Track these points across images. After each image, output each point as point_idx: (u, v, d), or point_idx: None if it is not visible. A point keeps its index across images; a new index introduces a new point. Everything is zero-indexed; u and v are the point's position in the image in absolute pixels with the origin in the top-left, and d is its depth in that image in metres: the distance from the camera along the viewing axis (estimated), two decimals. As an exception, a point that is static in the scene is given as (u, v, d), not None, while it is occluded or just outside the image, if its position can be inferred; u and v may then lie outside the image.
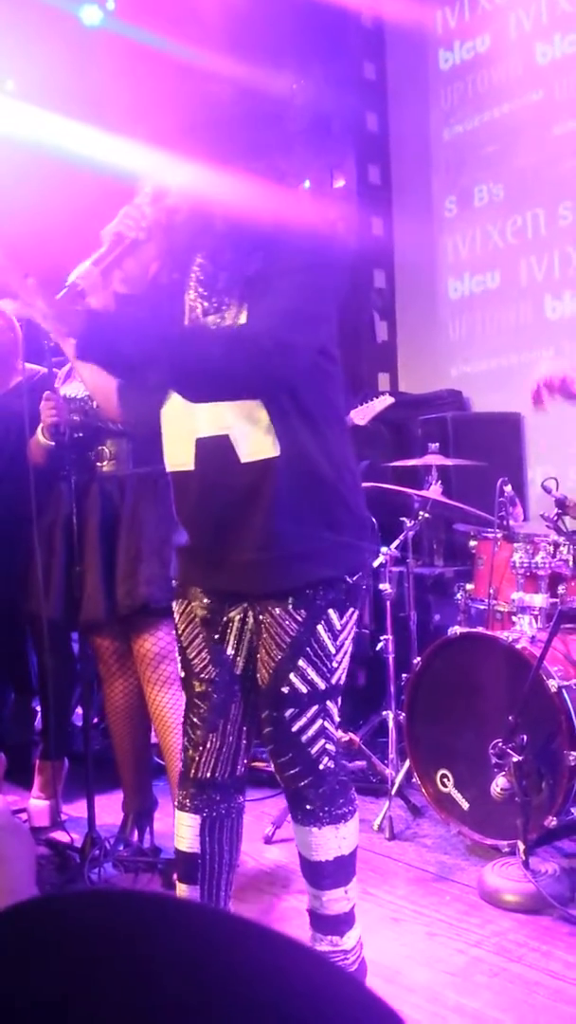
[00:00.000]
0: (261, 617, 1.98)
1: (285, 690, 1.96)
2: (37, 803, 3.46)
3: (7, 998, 0.42)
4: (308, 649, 1.95)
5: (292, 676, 1.95)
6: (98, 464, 3.03)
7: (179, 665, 2.12)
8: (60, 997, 0.41)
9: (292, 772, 2.00)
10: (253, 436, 1.90)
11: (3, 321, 3.46)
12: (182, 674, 2.11)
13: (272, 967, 0.45)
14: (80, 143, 5.26)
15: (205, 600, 2.05)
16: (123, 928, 0.45)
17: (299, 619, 1.94)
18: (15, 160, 5.10)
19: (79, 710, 4.15)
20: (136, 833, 3.15)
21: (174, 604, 2.12)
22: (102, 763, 3.38)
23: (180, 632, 2.10)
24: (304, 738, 1.98)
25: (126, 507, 2.98)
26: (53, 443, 2.96)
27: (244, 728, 2.09)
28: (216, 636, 2.04)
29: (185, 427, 1.96)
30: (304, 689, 1.96)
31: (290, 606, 1.94)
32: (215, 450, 1.92)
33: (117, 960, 0.43)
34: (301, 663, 1.95)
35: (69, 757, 3.65)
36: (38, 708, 4.08)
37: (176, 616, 2.11)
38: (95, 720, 3.94)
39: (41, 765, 3.52)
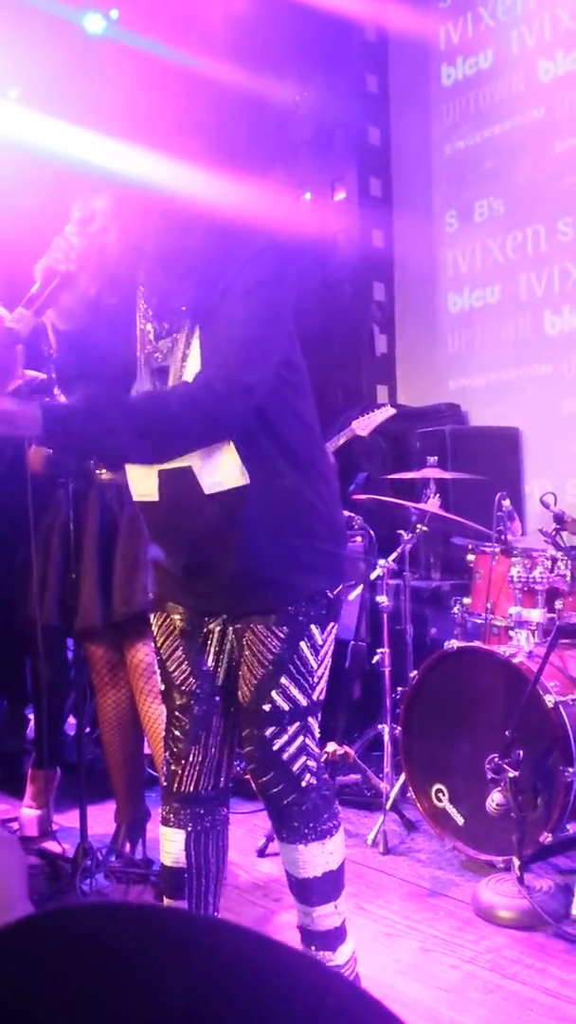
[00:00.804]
0: (243, 633, 1.96)
1: (267, 708, 1.94)
2: (29, 812, 3.44)
3: (16, 1014, 0.41)
4: (291, 666, 1.94)
5: (274, 694, 1.93)
6: (97, 472, 3.03)
7: (159, 678, 2.11)
8: (69, 1011, 0.41)
9: (275, 791, 1.98)
10: (216, 465, 1.87)
11: (2, 326, 3.45)
12: (162, 687, 2.09)
13: (276, 976, 0.45)
14: (83, 149, 5.26)
15: (184, 612, 2.03)
16: (129, 940, 0.45)
17: (281, 636, 1.93)
18: (18, 166, 5.10)
19: (71, 719, 4.13)
20: (128, 844, 3.13)
21: (151, 616, 2.09)
22: (94, 773, 3.37)
23: (159, 644, 2.07)
24: (285, 756, 1.96)
25: (125, 515, 2.98)
26: (52, 450, 2.94)
27: (227, 739, 2.07)
28: (196, 648, 2.02)
29: None
30: (286, 707, 1.94)
31: (272, 624, 1.93)
32: (178, 481, 1.90)
33: (124, 972, 0.43)
34: (283, 680, 1.93)
35: (61, 766, 3.63)
36: (29, 716, 4.06)
37: (154, 629, 2.08)
38: (87, 729, 3.92)
39: (33, 774, 3.50)
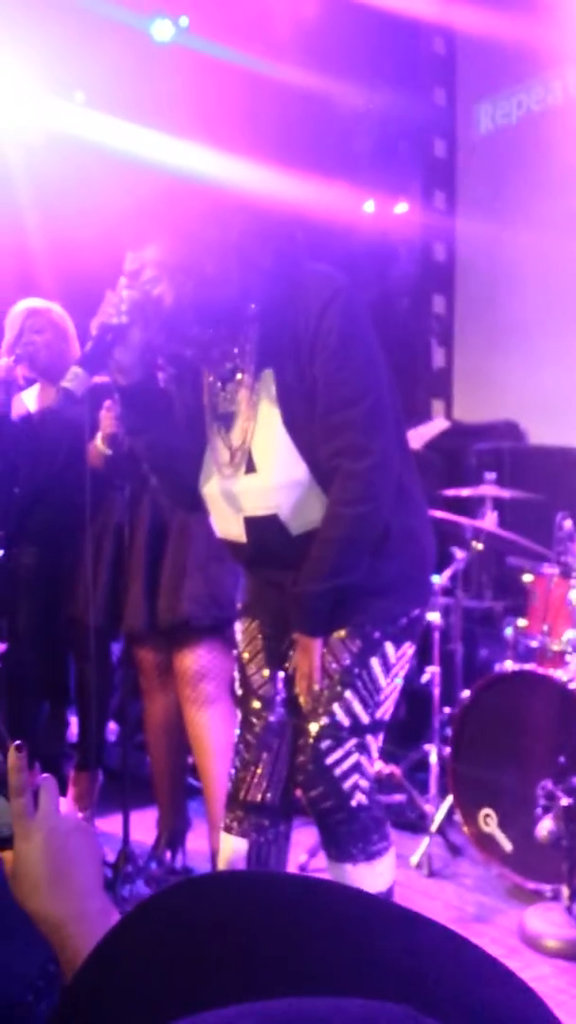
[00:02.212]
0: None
1: (325, 720, 1.91)
2: (70, 815, 3.42)
3: (201, 949, 0.46)
4: (358, 682, 1.91)
5: (335, 706, 1.91)
6: (152, 477, 3.01)
7: (237, 683, 2.10)
8: (234, 957, 0.45)
9: (324, 806, 1.94)
10: (302, 510, 1.89)
11: (59, 328, 3.46)
12: (239, 691, 2.09)
13: (416, 945, 0.48)
14: (144, 150, 5.29)
15: (270, 619, 2.04)
16: (285, 903, 0.49)
17: (353, 650, 1.91)
18: (82, 167, 5.13)
19: (112, 724, 4.12)
20: (168, 852, 3.10)
21: (237, 623, 2.11)
22: (137, 779, 3.34)
23: (242, 649, 2.08)
24: (338, 772, 1.92)
25: (175, 522, 2.96)
26: (111, 452, 2.93)
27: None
28: (278, 656, 2.03)
29: (232, 506, 1.96)
30: (346, 722, 1.91)
31: (345, 637, 1.91)
32: (265, 526, 1.92)
33: (275, 929, 0.47)
34: (347, 694, 1.91)
35: (103, 771, 3.61)
36: (70, 720, 4.05)
37: (239, 634, 2.10)
38: (130, 735, 3.90)
39: (76, 776, 3.48)
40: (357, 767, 1.93)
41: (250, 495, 1.91)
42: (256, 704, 2.04)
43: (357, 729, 1.92)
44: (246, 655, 2.08)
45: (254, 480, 1.89)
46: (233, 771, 2.08)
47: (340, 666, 1.90)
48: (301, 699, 1.96)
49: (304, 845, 3.25)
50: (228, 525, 1.98)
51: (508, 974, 0.46)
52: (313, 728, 1.92)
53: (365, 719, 1.93)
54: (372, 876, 1.96)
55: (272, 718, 2.03)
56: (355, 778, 1.93)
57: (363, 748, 1.94)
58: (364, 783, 1.95)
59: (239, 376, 1.90)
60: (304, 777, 1.94)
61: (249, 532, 1.93)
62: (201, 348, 1.91)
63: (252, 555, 1.99)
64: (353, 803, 1.93)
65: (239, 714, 2.10)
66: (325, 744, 1.91)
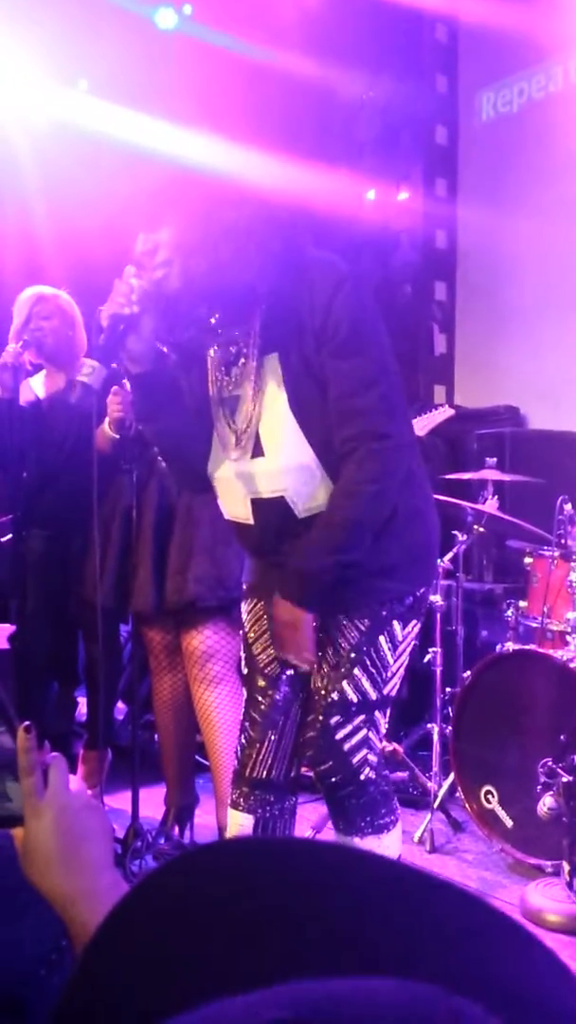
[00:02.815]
0: (325, 621, 1.98)
1: (335, 696, 1.95)
2: (79, 793, 3.47)
3: (231, 910, 0.44)
4: (366, 659, 1.95)
5: (345, 683, 1.95)
6: (160, 460, 3.05)
7: (243, 662, 2.13)
8: (270, 918, 0.44)
9: (333, 780, 1.98)
10: (308, 492, 1.92)
11: (67, 314, 3.49)
12: (245, 670, 2.12)
13: (459, 920, 0.45)
14: (149, 138, 5.31)
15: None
16: (328, 867, 0.48)
17: (362, 628, 1.95)
18: (85, 154, 5.16)
19: (120, 703, 4.17)
20: (176, 828, 3.16)
21: (243, 604, 2.14)
22: (145, 756, 3.40)
23: (248, 629, 2.11)
24: (347, 747, 1.96)
25: (182, 504, 3.01)
26: (118, 436, 2.98)
27: (303, 728, 2.08)
28: None
29: (239, 488, 1.98)
30: (355, 698, 1.95)
31: (355, 616, 1.95)
32: (272, 508, 1.95)
33: (296, 897, 0.45)
34: (356, 671, 1.95)
35: (112, 749, 3.67)
36: (79, 699, 4.10)
37: (244, 615, 2.12)
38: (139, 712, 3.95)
39: (85, 755, 3.54)
40: (366, 742, 1.98)
41: (258, 478, 1.93)
42: (261, 683, 2.07)
43: (366, 705, 1.96)
44: (251, 635, 2.11)
45: (261, 463, 1.92)
46: (239, 748, 2.11)
47: (349, 644, 1.94)
48: (312, 677, 2.00)
49: (309, 821, 3.32)
50: (236, 507, 2.01)
51: (544, 951, 0.44)
52: (322, 704, 1.96)
53: (373, 695, 1.96)
54: (379, 849, 2.00)
55: (277, 696, 2.06)
56: (364, 753, 1.98)
57: (371, 724, 1.98)
58: (372, 758, 1.99)
59: (243, 361, 1.92)
60: (314, 752, 1.98)
61: (256, 514, 1.97)
62: (208, 331, 1.94)
63: (258, 537, 2.02)
64: (362, 777, 1.98)
65: (245, 693, 2.13)
66: (335, 720, 1.95)
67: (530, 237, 5.40)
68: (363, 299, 1.89)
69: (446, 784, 3.34)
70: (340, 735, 1.95)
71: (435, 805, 3.29)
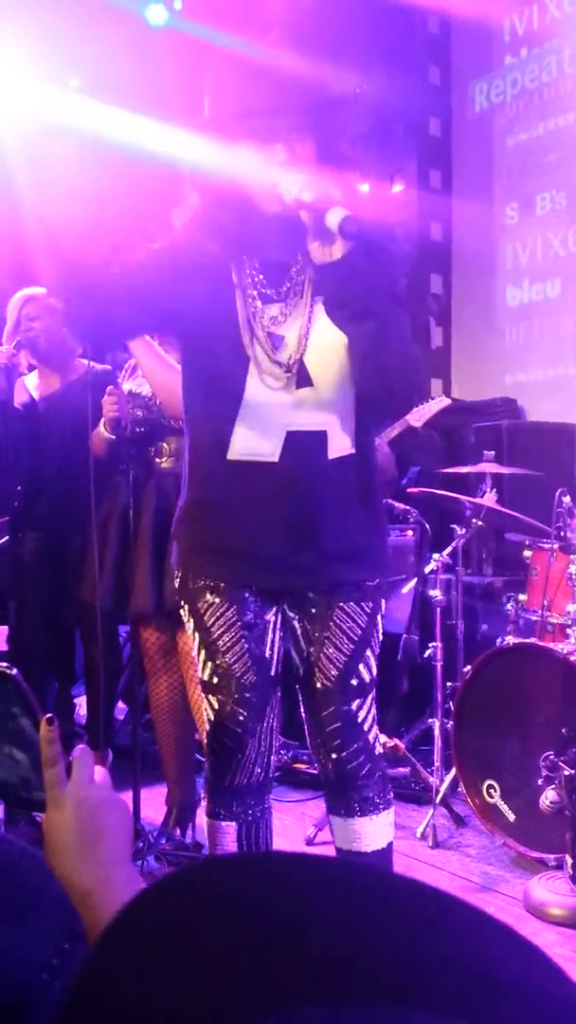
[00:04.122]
0: (330, 613, 1.97)
1: (354, 682, 1.99)
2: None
3: (185, 952, 0.42)
4: (372, 640, 2.01)
5: (360, 667, 1.99)
6: (157, 460, 3.05)
7: (210, 671, 2.00)
8: (233, 948, 0.42)
9: (355, 763, 2.00)
10: (343, 433, 1.94)
11: (58, 313, 3.48)
12: (215, 680, 1.99)
13: (432, 922, 0.44)
14: (141, 137, 5.29)
15: (250, 600, 1.99)
16: (287, 887, 0.46)
17: (368, 611, 2.00)
18: (77, 154, 5.14)
19: (121, 703, 4.17)
20: (178, 829, 3.15)
21: (214, 609, 1.99)
22: (146, 757, 3.40)
23: (217, 636, 1.98)
24: (366, 727, 2.02)
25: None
26: (114, 437, 2.97)
27: (276, 728, 2.09)
28: (257, 638, 2.00)
29: (276, 419, 1.91)
30: (368, 679, 2.01)
31: (361, 600, 1.99)
32: (306, 444, 1.91)
33: (279, 916, 0.43)
34: (367, 654, 2.00)
35: (112, 749, 3.67)
36: (77, 700, 4.10)
37: (212, 619, 1.98)
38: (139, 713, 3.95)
39: (86, 756, 3.53)
40: (375, 718, 2.05)
41: (300, 409, 1.91)
42: (238, 693, 1.98)
43: (372, 683, 2.03)
44: (224, 643, 1.99)
45: (308, 393, 1.90)
46: (212, 760, 2.04)
47: (361, 629, 1.98)
48: (323, 670, 2.00)
49: (311, 819, 3.32)
50: (260, 442, 1.91)
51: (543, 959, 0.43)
52: (343, 693, 1.99)
53: (375, 672, 2.03)
54: (387, 826, 2.07)
55: (256, 702, 1.99)
56: (375, 729, 2.05)
57: (374, 699, 2.05)
58: (376, 730, 2.06)
59: (294, 297, 1.92)
60: (341, 741, 1.99)
61: (286, 449, 1.90)
62: (273, 267, 1.95)
63: (278, 484, 1.92)
64: (377, 752, 2.05)
65: (214, 704, 2.01)
66: (356, 704, 1.99)
67: (525, 227, 5.39)
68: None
69: (448, 779, 3.33)
70: (361, 717, 2.01)
71: (437, 800, 3.28)
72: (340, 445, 1.93)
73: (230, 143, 1.88)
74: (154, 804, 3.29)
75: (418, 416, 4.03)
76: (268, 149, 1.86)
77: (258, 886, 0.46)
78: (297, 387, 1.90)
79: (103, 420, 2.99)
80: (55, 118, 5.47)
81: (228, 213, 1.92)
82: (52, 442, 3.45)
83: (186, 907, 0.45)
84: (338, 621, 1.97)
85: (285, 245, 1.92)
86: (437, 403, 4.05)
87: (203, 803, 3.14)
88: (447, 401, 4.03)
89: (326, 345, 1.91)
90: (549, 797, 2.73)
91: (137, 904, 0.47)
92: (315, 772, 2.09)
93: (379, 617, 2.03)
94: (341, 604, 1.97)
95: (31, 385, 3.58)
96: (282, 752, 3.69)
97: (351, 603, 1.98)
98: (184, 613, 2.06)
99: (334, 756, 2.01)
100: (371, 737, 2.03)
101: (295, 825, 3.37)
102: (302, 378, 1.90)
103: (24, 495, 3.55)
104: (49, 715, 1.00)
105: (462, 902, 0.45)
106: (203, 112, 2.07)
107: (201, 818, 3.21)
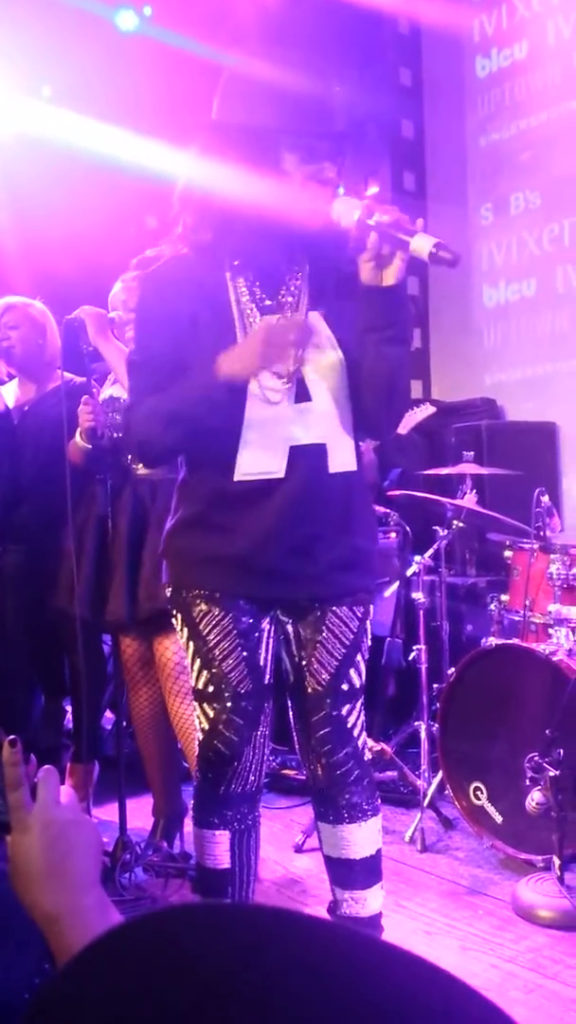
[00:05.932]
0: (323, 618, 1.99)
1: (345, 687, 2.01)
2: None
3: (139, 1005, 0.42)
4: (362, 645, 2.04)
5: (351, 672, 2.01)
6: (133, 467, 3.03)
7: (206, 680, 1.98)
8: (190, 1002, 0.41)
9: (345, 769, 2.02)
10: (342, 447, 1.96)
11: (36, 323, 3.46)
12: (210, 688, 1.97)
13: (396, 982, 0.44)
14: (114, 146, 5.27)
15: (246, 609, 1.99)
16: (248, 939, 0.45)
17: (359, 617, 2.02)
18: (51, 164, 5.12)
19: (108, 713, 4.14)
20: (165, 841, 3.13)
21: (205, 618, 1.98)
22: (132, 767, 3.37)
23: (213, 644, 1.97)
24: (355, 732, 2.03)
25: (155, 510, 2.98)
26: (90, 446, 2.95)
27: (268, 735, 2.08)
28: (252, 646, 2.00)
29: (279, 434, 1.92)
30: (357, 684, 2.03)
31: (355, 605, 2.02)
32: (308, 458, 1.93)
33: (232, 975, 0.42)
34: (357, 659, 2.03)
35: (99, 760, 3.64)
36: (66, 709, 4.07)
37: (206, 629, 1.97)
38: (124, 724, 3.92)
39: (72, 768, 3.51)
40: (363, 724, 2.06)
41: (301, 423, 1.92)
42: (234, 703, 1.97)
43: (362, 688, 2.05)
44: (219, 651, 1.98)
45: (308, 407, 1.92)
46: (204, 769, 2.02)
47: (352, 633, 2.01)
48: (314, 675, 2.01)
49: (299, 825, 3.30)
50: (266, 458, 1.91)
51: None
52: (333, 697, 2.00)
53: (364, 678, 2.05)
54: (375, 832, 2.08)
55: (252, 711, 1.99)
56: (364, 735, 2.07)
57: (362, 704, 2.07)
58: (364, 735, 2.08)
59: (290, 309, 1.94)
60: (331, 746, 2.01)
61: (291, 464, 1.91)
62: (272, 270, 1.97)
63: (285, 499, 1.92)
64: (365, 758, 2.06)
65: (208, 712, 2.00)
66: (346, 709, 2.01)
67: (502, 228, 5.40)
68: None
69: (435, 782, 3.32)
70: (350, 722, 2.02)
71: (425, 804, 3.27)
72: (341, 459, 1.95)
73: (261, 158, 1.87)
74: (142, 814, 3.27)
75: (403, 423, 4.03)
76: (316, 168, 1.88)
77: (218, 947, 0.44)
78: (296, 401, 1.92)
79: (79, 430, 2.98)
80: (29, 127, 5.45)
81: (223, 227, 1.92)
82: (27, 453, 3.43)
83: (146, 954, 0.44)
84: (330, 626, 2.00)
85: (283, 257, 1.97)
86: (421, 411, 4.05)
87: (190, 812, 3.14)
88: (432, 409, 4.03)
89: (323, 359, 1.94)
90: (535, 798, 2.73)
91: (99, 945, 0.46)
92: (303, 778, 2.08)
93: (368, 623, 2.04)
94: (334, 608, 2.00)
95: (8, 394, 3.55)
96: (270, 758, 3.67)
97: (344, 608, 2.00)
98: (177, 623, 2.05)
99: (324, 761, 2.02)
100: (360, 743, 2.05)
101: (283, 832, 3.35)
102: (301, 391, 1.92)
103: (3, 506, 3.52)
104: (12, 737, 0.98)
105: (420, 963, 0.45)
106: (183, 121, 2.08)
107: (189, 826, 3.20)
